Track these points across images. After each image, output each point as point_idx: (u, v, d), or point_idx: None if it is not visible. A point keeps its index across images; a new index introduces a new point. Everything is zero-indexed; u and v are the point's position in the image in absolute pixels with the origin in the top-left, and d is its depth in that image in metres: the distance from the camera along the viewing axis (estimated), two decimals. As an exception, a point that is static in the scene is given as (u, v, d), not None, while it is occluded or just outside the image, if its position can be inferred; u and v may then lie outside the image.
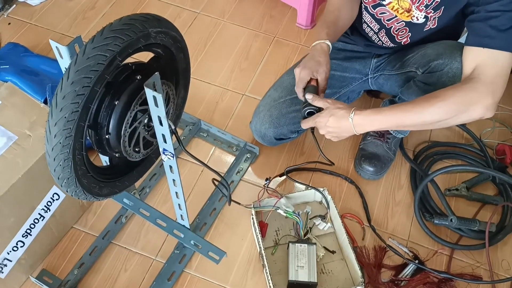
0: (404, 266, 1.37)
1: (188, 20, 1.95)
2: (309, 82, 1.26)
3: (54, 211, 1.26)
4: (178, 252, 1.34)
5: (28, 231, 1.20)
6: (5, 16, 1.91)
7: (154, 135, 0.96)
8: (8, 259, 1.17)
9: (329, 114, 1.20)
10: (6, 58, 1.67)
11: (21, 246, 1.20)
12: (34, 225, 1.21)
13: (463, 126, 1.65)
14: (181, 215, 1.18)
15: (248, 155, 1.55)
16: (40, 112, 1.20)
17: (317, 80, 1.26)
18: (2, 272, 1.18)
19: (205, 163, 1.04)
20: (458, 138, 1.67)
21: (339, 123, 1.19)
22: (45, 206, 1.22)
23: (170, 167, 1.02)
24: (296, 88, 1.28)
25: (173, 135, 0.94)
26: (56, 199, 1.25)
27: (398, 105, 1.18)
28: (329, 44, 1.28)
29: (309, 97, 1.23)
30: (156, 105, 0.86)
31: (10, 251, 1.17)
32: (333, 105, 1.20)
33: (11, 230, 1.15)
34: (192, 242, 1.21)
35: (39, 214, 1.21)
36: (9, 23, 1.89)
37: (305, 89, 1.25)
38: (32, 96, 1.55)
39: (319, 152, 1.30)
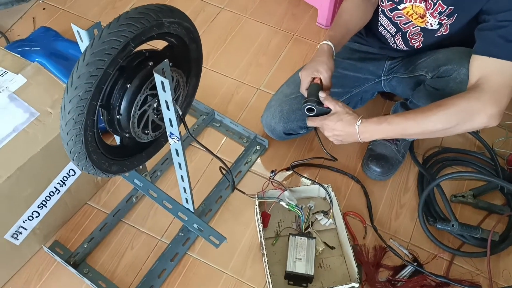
0: (402, 267, 1.39)
1: (212, 14, 2.01)
2: (312, 81, 1.29)
3: (70, 186, 1.33)
4: (182, 234, 1.40)
5: (44, 202, 1.27)
6: (40, 1, 2.01)
7: (162, 119, 1.02)
8: (23, 227, 1.25)
9: (338, 118, 1.23)
10: (38, 41, 1.77)
11: (36, 217, 1.27)
12: (50, 198, 1.29)
13: (475, 134, 1.65)
14: (186, 199, 1.24)
15: (257, 147, 1.60)
16: (62, 91, 1.25)
17: (320, 79, 1.29)
18: (17, 239, 1.26)
19: (210, 149, 1.08)
20: (470, 145, 1.67)
21: (345, 129, 1.23)
22: (61, 180, 1.29)
23: (176, 150, 1.07)
24: (300, 90, 1.32)
25: (181, 120, 0.99)
26: (72, 175, 1.32)
27: (402, 113, 1.21)
28: (330, 44, 1.30)
29: (322, 95, 1.26)
30: (164, 90, 0.91)
31: (26, 220, 1.25)
32: (343, 109, 1.23)
33: (27, 200, 1.23)
34: (195, 225, 1.27)
35: (54, 187, 1.28)
36: (44, 8, 1.99)
37: (308, 89, 1.28)
38: (60, 78, 1.64)
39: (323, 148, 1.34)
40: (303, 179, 1.53)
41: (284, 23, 1.99)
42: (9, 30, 1.90)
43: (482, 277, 1.38)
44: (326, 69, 1.28)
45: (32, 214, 1.26)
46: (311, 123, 1.29)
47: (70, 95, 0.86)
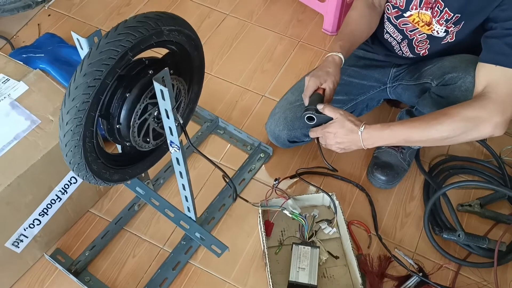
0: (407, 277, 1.37)
1: (217, 20, 2.00)
2: (317, 90, 1.27)
3: (71, 194, 1.33)
4: (184, 243, 1.39)
5: (45, 210, 1.27)
6: (46, 7, 2.02)
7: (163, 127, 1.01)
8: (24, 235, 1.25)
9: (340, 125, 1.21)
10: (42, 47, 1.77)
11: (37, 224, 1.27)
12: (51, 205, 1.28)
13: (483, 142, 1.62)
14: (188, 207, 1.23)
15: (261, 155, 1.59)
16: (64, 99, 1.27)
17: (324, 89, 1.27)
18: (18, 247, 1.25)
19: (214, 157, 1.07)
20: (477, 154, 1.64)
21: (348, 135, 1.21)
22: (62, 188, 1.29)
23: (177, 159, 1.06)
24: (303, 95, 1.30)
25: (182, 129, 0.98)
26: (74, 183, 1.31)
27: (406, 120, 1.19)
28: (341, 56, 1.28)
29: (320, 107, 1.24)
30: (163, 98, 0.90)
31: (27, 228, 1.24)
32: (344, 116, 1.21)
33: (28, 208, 1.22)
34: (197, 234, 1.26)
35: (56, 195, 1.28)
36: (49, 15, 2.00)
37: (311, 97, 1.27)
38: (63, 84, 1.64)
39: (327, 158, 1.32)
40: (310, 186, 1.51)
41: (290, 29, 1.98)
42: (14, 37, 1.90)
43: (489, 288, 1.36)
44: (333, 81, 1.26)
45: (33, 221, 1.25)
46: (313, 134, 1.27)
47: (68, 106, 0.86)
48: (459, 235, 1.37)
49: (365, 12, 1.37)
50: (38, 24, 1.95)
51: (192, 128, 1.63)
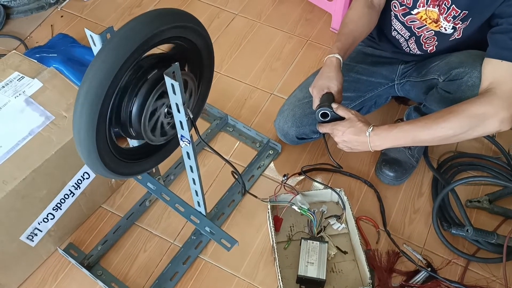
0: (416, 272, 1.37)
1: (226, 20, 2.03)
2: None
3: (84, 189, 1.35)
4: (194, 238, 1.41)
5: (59, 205, 1.30)
6: (58, 9, 2.06)
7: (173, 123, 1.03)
8: (38, 229, 1.28)
9: (349, 125, 1.23)
10: (55, 47, 1.80)
11: (51, 218, 1.30)
12: (65, 200, 1.31)
13: (491, 139, 1.63)
14: (198, 202, 1.25)
15: (270, 152, 1.60)
16: (77, 96, 1.29)
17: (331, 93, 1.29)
18: (33, 241, 1.28)
19: (223, 154, 1.09)
20: (486, 150, 1.65)
21: (356, 136, 1.23)
22: (75, 183, 1.31)
23: (187, 153, 1.08)
24: (313, 107, 1.32)
25: (192, 124, 1.00)
26: (86, 178, 1.34)
27: (412, 120, 1.20)
28: (339, 57, 1.29)
29: (334, 106, 1.26)
30: (174, 92, 0.92)
31: (41, 222, 1.27)
32: (355, 117, 1.23)
33: (42, 202, 1.25)
34: (207, 228, 1.27)
35: (69, 190, 1.30)
36: (62, 16, 2.04)
37: (322, 97, 1.28)
38: (76, 84, 1.67)
39: (335, 156, 1.33)
40: (315, 183, 1.52)
41: (298, 28, 2.00)
42: (28, 37, 1.94)
43: (498, 283, 1.36)
44: (336, 84, 1.28)
45: (47, 216, 1.28)
46: (322, 129, 1.29)
47: (86, 89, 0.88)
48: (467, 231, 1.37)
49: (364, 11, 1.36)
50: (51, 25, 1.99)
51: (202, 125, 1.65)
